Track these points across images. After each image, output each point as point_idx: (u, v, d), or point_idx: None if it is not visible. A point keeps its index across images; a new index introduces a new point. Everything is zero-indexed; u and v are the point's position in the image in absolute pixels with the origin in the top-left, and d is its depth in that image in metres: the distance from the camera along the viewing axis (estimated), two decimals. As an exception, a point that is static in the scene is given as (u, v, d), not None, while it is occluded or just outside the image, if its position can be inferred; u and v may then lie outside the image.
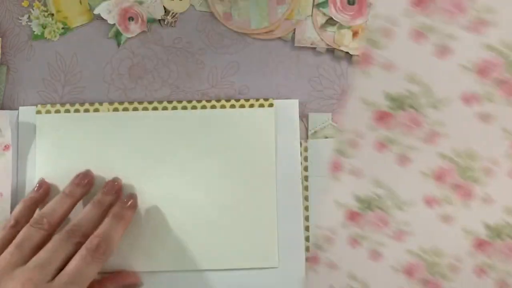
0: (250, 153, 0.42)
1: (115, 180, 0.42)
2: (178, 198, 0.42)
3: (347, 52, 0.44)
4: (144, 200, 0.42)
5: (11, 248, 0.36)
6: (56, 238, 0.36)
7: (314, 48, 0.44)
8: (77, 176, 0.41)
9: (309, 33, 0.44)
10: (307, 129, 0.43)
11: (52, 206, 0.39)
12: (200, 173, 0.42)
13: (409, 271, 0.33)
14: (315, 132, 0.43)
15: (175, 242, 0.41)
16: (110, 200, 0.40)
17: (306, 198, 0.42)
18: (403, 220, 0.32)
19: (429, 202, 0.32)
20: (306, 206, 0.42)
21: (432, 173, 0.32)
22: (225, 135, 0.42)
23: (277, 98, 0.44)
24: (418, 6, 0.28)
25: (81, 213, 0.39)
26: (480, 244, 0.31)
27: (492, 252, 0.31)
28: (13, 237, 0.36)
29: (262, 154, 0.42)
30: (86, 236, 0.37)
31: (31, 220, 0.38)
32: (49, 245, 0.36)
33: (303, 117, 0.43)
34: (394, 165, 0.32)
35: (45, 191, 0.41)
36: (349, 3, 0.44)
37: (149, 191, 0.42)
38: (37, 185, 0.41)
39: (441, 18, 0.28)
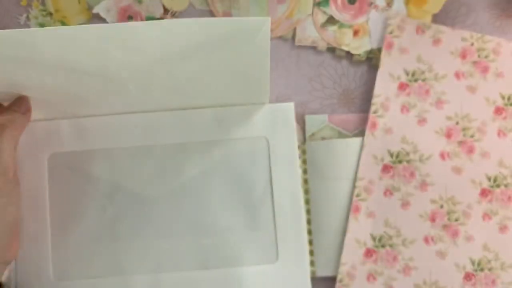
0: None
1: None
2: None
3: (347, 51, 0.43)
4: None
5: None
6: None
7: (314, 47, 0.44)
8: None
9: (309, 32, 0.44)
10: (304, 131, 0.43)
11: None
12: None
13: None
14: (313, 134, 0.42)
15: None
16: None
17: (307, 201, 0.42)
18: (408, 256, 0.41)
19: (427, 240, 0.41)
20: (308, 209, 0.42)
21: (426, 215, 0.41)
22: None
23: (277, 98, 0.43)
24: (404, 90, 0.42)
25: None
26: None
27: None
28: None
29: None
30: None
31: None
32: None
33: (300, 119, 0.43)
34: (399, 208, 0.41)
35: None
36: (349, 2, 0.43)
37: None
38: None
39: (417, 98, 0.42)
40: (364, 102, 0.43)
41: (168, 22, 0.31)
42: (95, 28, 0.30)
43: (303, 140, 0.43)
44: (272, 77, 0.44)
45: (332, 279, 0.41)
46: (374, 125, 0.41)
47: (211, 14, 0.44)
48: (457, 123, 0.41)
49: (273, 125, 0.42)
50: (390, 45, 0.42)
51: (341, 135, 0.42)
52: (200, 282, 0.41)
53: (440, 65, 0.42)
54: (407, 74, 0.42)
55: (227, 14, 0.44)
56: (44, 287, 0.40)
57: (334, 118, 0.43)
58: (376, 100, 0.42)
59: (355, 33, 0.43)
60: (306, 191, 0.42)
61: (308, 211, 0.42)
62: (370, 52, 0.43)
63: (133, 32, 0.30)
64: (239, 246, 0.41)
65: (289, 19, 0.44)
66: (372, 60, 0.43)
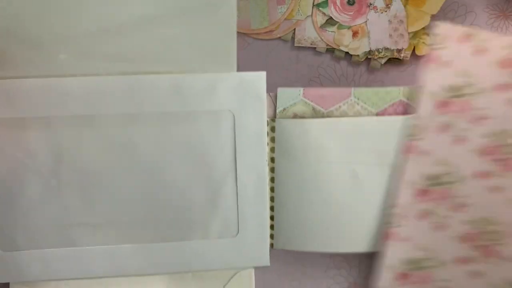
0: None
1: None
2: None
3: (347, 52, 0.44)
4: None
5: None
6: None
7: (314, 48, 0.44)
8: None
9: (309, 33, 0.44)
10: (275, 106, 0.39)
11: None
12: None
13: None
14: (284, 109, 0.39)
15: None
16: None
17: (272, 180, 0.40)
18: (444, 277, 0.41)
19: (463, 261, 0.40)
20: (272, 187, 0.40)
21: (462, 236, 0.40)
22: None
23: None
24: (442, 108, 0.38)
25: None
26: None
27: None
28: None
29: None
30: None
31: None
32: None
33: (272, 91, 0.40)
34: (433, 231, 0.40)
35: None
36: (349, 3, 0.43)
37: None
38: None
39: (456, 116, 0.38)
40: (363, 102, 0.44)
41: None
42: None
43: (273, 115, 0.39)
44: (271, 77, 0.44)
45: (289, 252, 0.42)
46: (409, 149, 0.39)
47: (211, 15, 0.44)
48: (496, 139, 0.38)
49: (240, 97, 0.37)
50: (434, 59, 0.38)
51: (315, 112, 0.39)
52: (157, 254, 0.39)
53: (481, 78, 0.38)
54: (447, 90, 0.38)
55: (227, 15, 0.44)
56: None
57: (309, 93, 0.39)
58: (414, 123, 0.39)
59: (354, 34, 0.44)
60: (272, 169, 0.40)
61: (272, 189, 0.40)
62: (369, 53, 0.44)
63: None
64: (199, 220, 0.39)
65: (288, 20, 0.44)
66: (370, 61, 0.44)
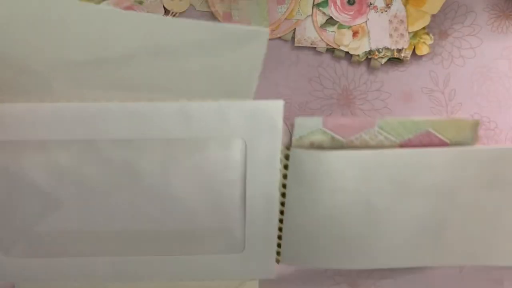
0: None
1: None
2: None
3: (347, 52, 0.44)
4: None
5: None
6: None
7: (314, 48, 0.44)
8: None
9: (309, 33, 0.44)
10: (290, 133, 0.36)
11: None
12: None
13: None
14: (301, 137, 0.36)
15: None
16: None
17: (282, 204, 0.39)
18: None
19: None
20: (282, 211, 0.39)
21: None
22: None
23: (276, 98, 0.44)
24: None
25: None
26: None
27: None
28: None
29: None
30: None
31: None
32: None
33: (289, 118, 0.38)
34: None
35: None
36: (349, 3, 0.43)
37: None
38: None
39: None
40: (363, 102, 0.44)
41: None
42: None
43: (289, 142, 0.37)
44: (271, 77, 0.44)
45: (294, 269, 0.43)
46: None
47: (212, 15, 0.44)
48: None
49: (254, 126, 0.34)
50: None
51: (333, 141, 0.36)
52: (161, 265, 0.39)
53: None
54: None
55: (228, 15, 0.44)
56: None
57: (330, 122, 0.36)
58: None
59: (354, 34, 0.44)
60: (283, 195, 0.38)
61: (281, 212, 0.39)
62: (369, 52, 0.44)
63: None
64: (205, 239, 0.39)
65: (288, 20, 0.44)
66: (371, 61, 0.44)
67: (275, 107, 0.33)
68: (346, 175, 0.36)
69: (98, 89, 0.33)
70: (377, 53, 0.44)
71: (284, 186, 0.38)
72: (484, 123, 0.44)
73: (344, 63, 0.44)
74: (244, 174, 0.36)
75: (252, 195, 0.37)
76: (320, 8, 0.44)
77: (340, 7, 0.44)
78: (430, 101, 0.44)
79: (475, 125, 0.35)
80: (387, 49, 0.43)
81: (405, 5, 0.43)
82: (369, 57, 0.44)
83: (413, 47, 0.44)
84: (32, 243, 0.39)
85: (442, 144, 0.36)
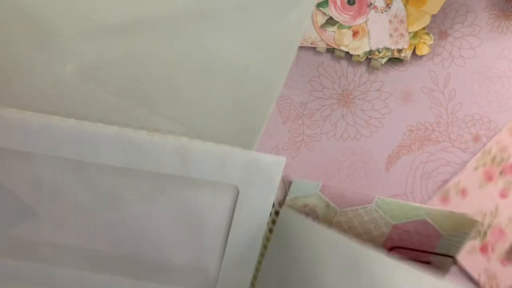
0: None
1: None
2: None
3: (347, 52, 0.44)
4: None
5: None
6: None
7: (314, 48, 0.44)
8: None
9: (309, 33, 0.44)
10: (286, 191, 0.36)
11: None
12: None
13: None
14: (295, 198, 0.35)
15: None
16: None
17: (262, 255, 0.38)
18: None
19: None
20: (260, 261, 0.38)
21: None
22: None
23: (276, 98, 0.44)
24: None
25: None
26: None
27: None
28: None
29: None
30: None
31: None
32: None
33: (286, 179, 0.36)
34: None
35: None
36: (349, 3, 0.43)
37: None
38: None
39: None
40: (363, 102, 0.44)
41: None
42: None
43: (282, 199, 0.35)
44: (272, 77, 0.44)
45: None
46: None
47: (212, 15, 0.44)
48: None
49: (250, 177, 0.33)
50: None
51: (328, 208, 0.35)
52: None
53: None
54: None
55: (228, 15, 0.44)
56: None
57: (328, 190, 0.35)
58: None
59: (354, 34, 0.44)
60: (265, 246, 0.37)
61: (259, 262, 0.38)
62: (369, 52, 0.44)
63: None
64: (177, 271, 0.39)
65: (289, 20, 0.44)
66: (371, 61, 0.44)
67: (276, 164, 0.33)
68: (326, 256, 0.33)
69: (87, 104, 0.32)
70: (377, 53, 0.44)
71: (268, 239, 0.37)
72: (484, 123, 0.44)
73: (344, 63, 0.44)
74: (230, 220, 0.35)
75: (233, 242, 0.36)
76: (320, 8, 0.44)
77: (340, 7, 0.44)
78: (430, 101, 0.44)
79: (473, 224, 0.34)
80: (387, 49, 0.43)
81: (405, 5, 0.43)
82: (369, 57, 0.44)
83: (413, 47, 0.44)
84: (2, 243, 0.39)
85: (436, 234, 0.36)
